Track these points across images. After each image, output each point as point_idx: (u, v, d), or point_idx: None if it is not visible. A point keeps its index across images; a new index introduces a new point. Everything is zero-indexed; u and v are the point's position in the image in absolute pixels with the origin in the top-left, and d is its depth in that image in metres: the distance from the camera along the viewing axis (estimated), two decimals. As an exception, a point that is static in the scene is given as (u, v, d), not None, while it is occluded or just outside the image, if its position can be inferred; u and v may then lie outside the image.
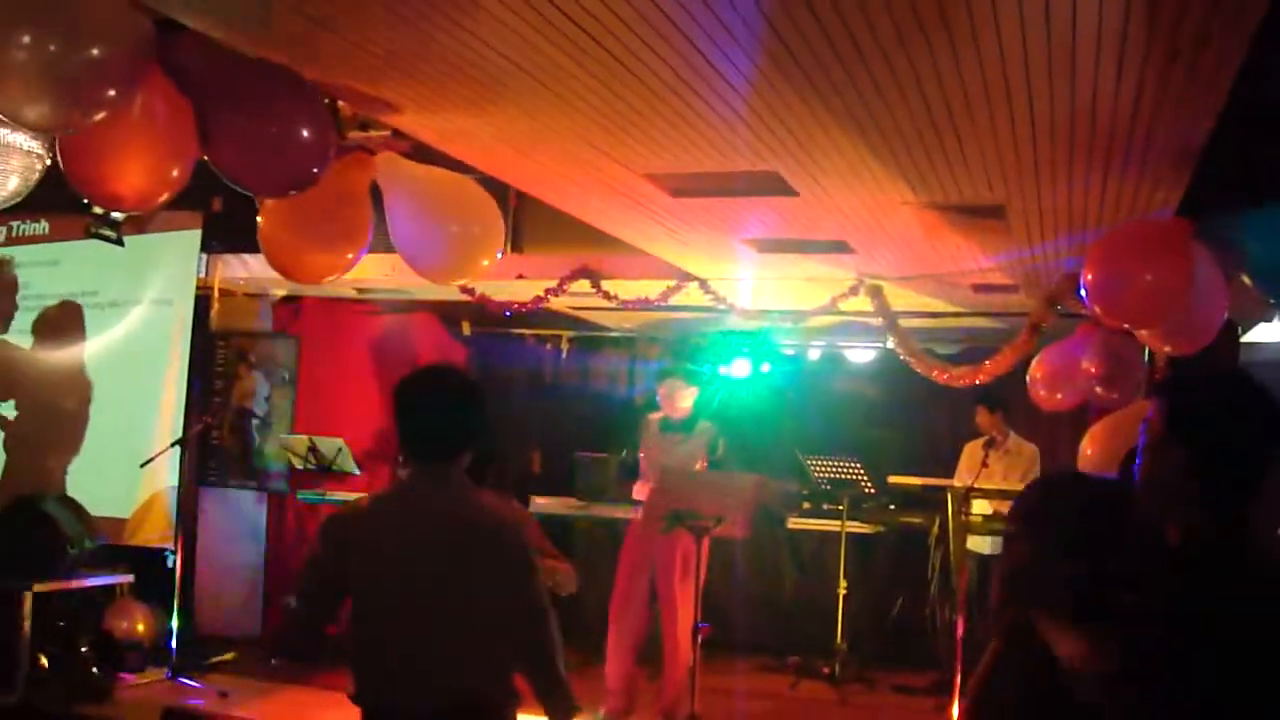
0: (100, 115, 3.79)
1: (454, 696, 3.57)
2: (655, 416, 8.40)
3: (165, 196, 4.38)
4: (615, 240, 7.46)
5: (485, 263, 5.29)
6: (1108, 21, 3.58)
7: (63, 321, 9.40)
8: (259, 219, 5.19)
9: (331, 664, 4.85)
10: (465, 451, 3.74)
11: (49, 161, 4.64)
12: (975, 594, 8.68)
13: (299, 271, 5.48)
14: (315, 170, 4.45)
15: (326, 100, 5.38)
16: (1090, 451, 7.00)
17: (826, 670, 9.44)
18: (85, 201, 4.70)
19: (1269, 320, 7.85)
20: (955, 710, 7.38)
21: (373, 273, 8.35)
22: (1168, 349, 6.46)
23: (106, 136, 4.06)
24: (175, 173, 4.28)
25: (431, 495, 3.69)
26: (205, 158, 4.39)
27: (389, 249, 5.46)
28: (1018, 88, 4.24)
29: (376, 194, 5.33)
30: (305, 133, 4.35)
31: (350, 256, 5.23)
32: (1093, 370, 7.41)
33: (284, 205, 4.99)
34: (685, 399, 8.17)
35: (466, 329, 11.61)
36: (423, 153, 5.98)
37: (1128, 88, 4.18)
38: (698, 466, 7.99)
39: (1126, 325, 6.13)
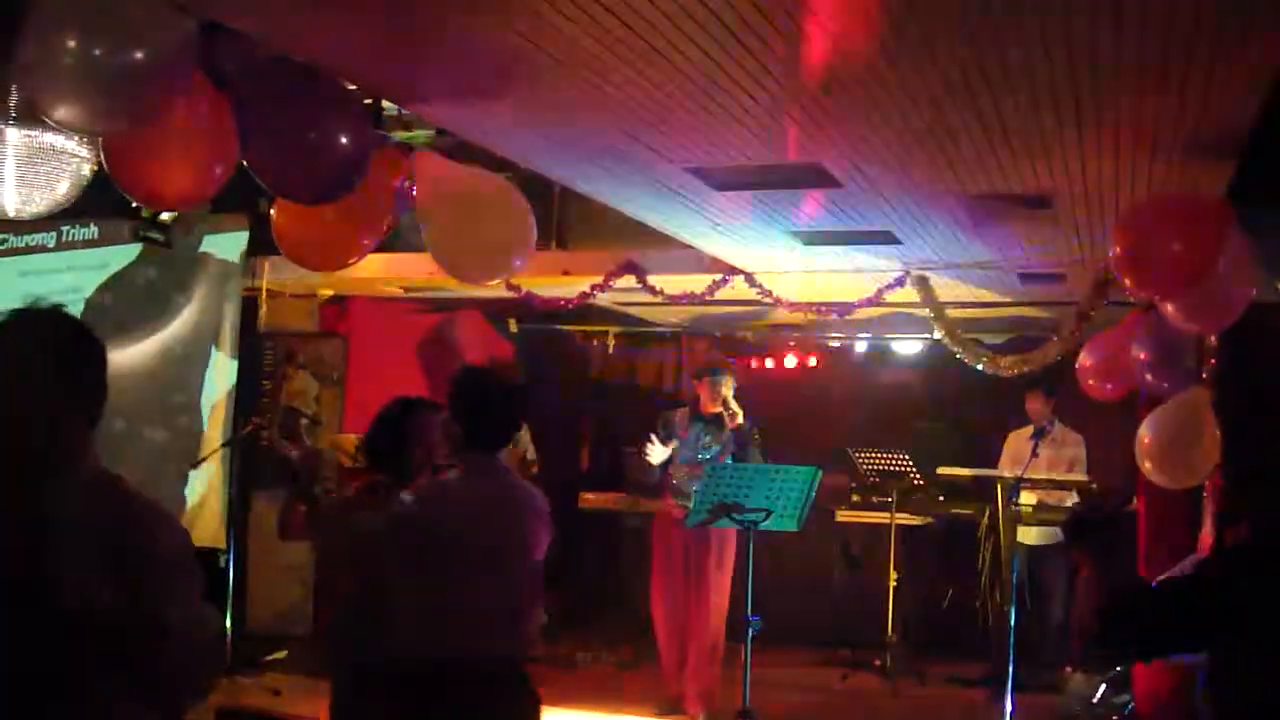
0: (145, 118, 3.82)
1: (511, 649, 4.24)
2: (682, 412, 8.40)
3: (206, 194, 4.41)
4: (660, 235, 7.44)
5: (517, 263, 5.26)
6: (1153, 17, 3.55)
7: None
8: (273, 210, 5.18)
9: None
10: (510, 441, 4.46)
11: (96, 165, 4.66)
12: (1026, 584, 8.61)
13: (312, 258, 5.48)
14: (351, 179, 4.44)
15: (368, 100, 5.38)
16: (1148, 440, 6.90)
17: (877, 662, 9.39)
18: (134, 205, 4.73)
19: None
20: (1009, 703, 7.33)
21: (418, 271, 8.37)
22: (1191, 326, 6.35)
23: (148, 135, 4.08)
24: (218, 170, 4.30)
25: (494, 478, 4.33)
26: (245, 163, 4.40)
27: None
28: (1063, 82, 4.20)
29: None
30: (342, 140, 4.35)
31: (366, 243, 5.19)
32: (1143, 357, 7.31)
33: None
34: (726, 394, 8.16)
35: (513, 326, 11.62)
36: (466, 151, 5.98)
37: (1173, 77, 4.14)
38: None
39: (1152, 295, 6.04)
